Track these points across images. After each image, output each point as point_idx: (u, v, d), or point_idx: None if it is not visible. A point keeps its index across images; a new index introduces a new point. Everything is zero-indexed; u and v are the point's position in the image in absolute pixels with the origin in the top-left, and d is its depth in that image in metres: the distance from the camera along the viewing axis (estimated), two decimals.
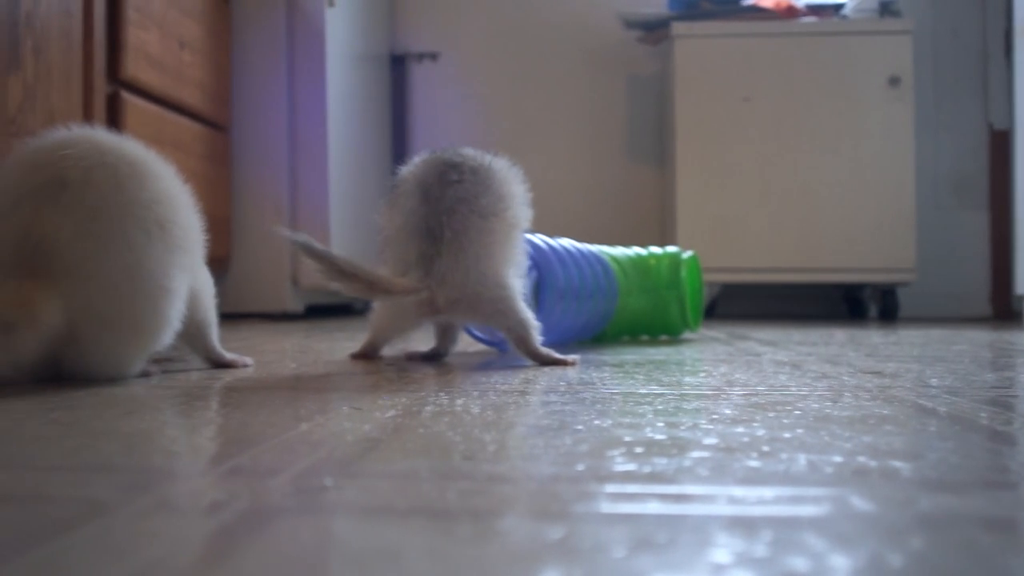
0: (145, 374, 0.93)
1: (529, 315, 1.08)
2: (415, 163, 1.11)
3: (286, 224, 2.39)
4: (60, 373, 0.85)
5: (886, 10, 2.77)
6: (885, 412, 0.70)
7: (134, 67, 1.81)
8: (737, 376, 0.97)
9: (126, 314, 0.85)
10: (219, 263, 2.33)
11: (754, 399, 0.78)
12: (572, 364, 1.08)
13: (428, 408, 0.71)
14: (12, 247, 0.81)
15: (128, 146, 0.90)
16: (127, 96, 1.80)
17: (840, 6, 2.82)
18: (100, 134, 0.90)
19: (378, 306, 1.13)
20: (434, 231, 1.02)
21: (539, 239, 1.28)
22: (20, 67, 1.43)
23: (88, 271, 0.82)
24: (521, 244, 1.11)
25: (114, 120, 1.76)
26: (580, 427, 0.62)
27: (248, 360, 1.06)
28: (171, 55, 1.98)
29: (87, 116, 1.63)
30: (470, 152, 1.09)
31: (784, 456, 0.52)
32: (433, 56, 3.20)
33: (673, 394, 0.82)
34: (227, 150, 2.34)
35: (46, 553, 0.34)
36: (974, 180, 3.04)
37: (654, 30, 2.90)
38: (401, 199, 1.07)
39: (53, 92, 1.52)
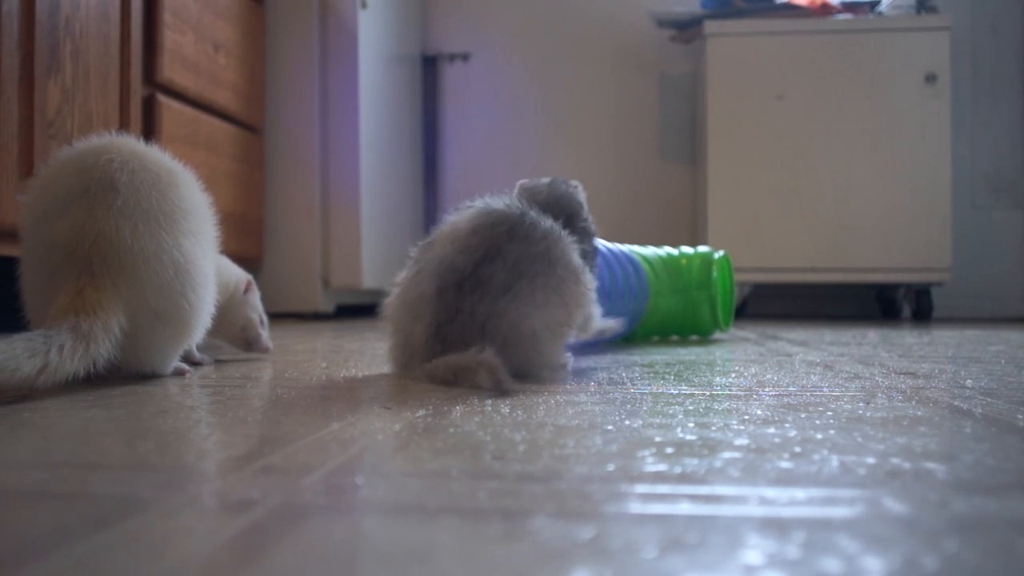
0: (179, 372, 0.95)
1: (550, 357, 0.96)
2: (448, 230, 0.96)
3: (317, 225, 2.41)
4: (101, 369, 0.87)
5: (923, 6, 2.73)
6: (919, 413, 0.69)
7: (170, 70, 1.83)
8: (768, 377, 0.96)
9: (179, 310, 0.88)
10: (252, 263, 2.35)
11: (785, 400, 0.77)
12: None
13: (458, 408, 0.71)
14: (68, 247, 0.84)
15: (160, 154, 0.94)
16: (163, 99, 1.82)
17: (876, 3, 2.79)
18: (134, 142, 0.93)
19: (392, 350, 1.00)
20: (443, 331, 0.92)
21: None
22: (59, 70, 1.45)
23: (147, 270, 0.85)
24: (562, 297, 0.94)
25: (150, 122, 1.79)
26: (610, 427, 0.62)
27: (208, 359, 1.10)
28: (206, 58, 2.01)
29: (124, 118, 1.66)
30: (506, 238, 0.92)
31: (816, 457, 0.52)
32: (464, 56, 3.21)
33: (703, 395, 0.81)
34: (260, 151, 2.37)
35: (83, 549, 0.34)
36: (1011, 179, 3.00)
37: (686, 28, 2.89)
38: (424, 272, 0.94)
39: (91, 95, 1.55)
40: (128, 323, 0.84)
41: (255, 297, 1.18)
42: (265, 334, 1.18)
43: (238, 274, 1.16)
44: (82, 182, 0.86)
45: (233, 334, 1.16)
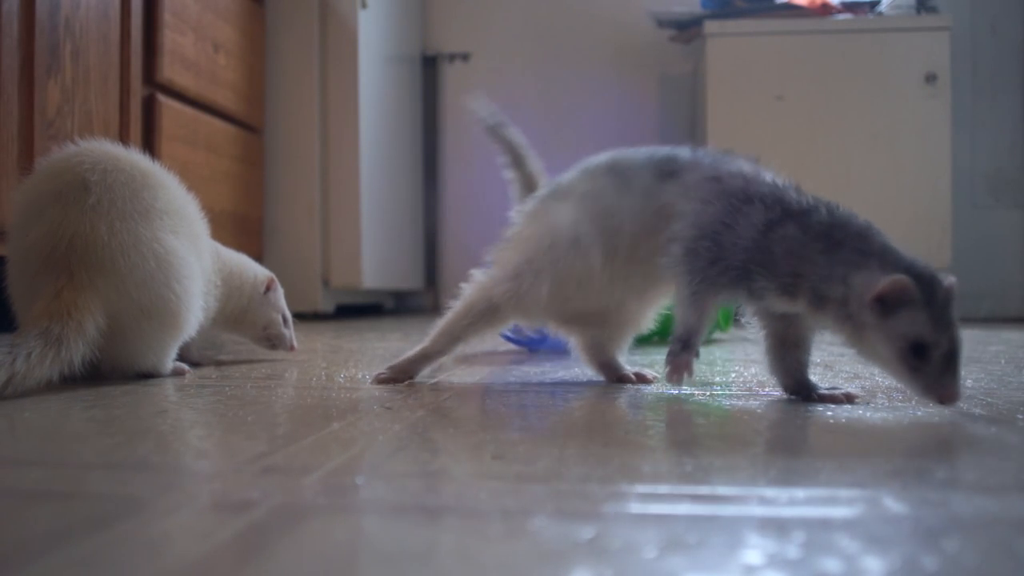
0: (178, 372, 0.95)
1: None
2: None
3: (317, 225, 2.41)
4: (98, 369, 0.87)
5: (923, 6, 2.73)
6: (919, 413, 0.69)
7: (170, 70, 1.83)
8: (768, 377, 0.96)
9: (165, 302, 0.88)
10: None
11: (785, 399, 0.77)
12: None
13: (458, 408, 0.71)
14: (45, 250, 0.84)
15: (136, 155, 0.93)
16: (163, 98, 1.82)
17: (876, 3, 2.79)
18: (109, 145, 0.93)
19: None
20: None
21: None
22: (59, 70, 1.45)
23: (127, 264, 0.85)
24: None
25: (150, 122, 1.78)
26: (610, 426, 0.62)
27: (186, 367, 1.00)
28: (205, 58, 2.01)
29: (124, 118, 1.66)
30: None
31: (816, 456, 0.52)
32: (465, 56, 3.21)
33: (703, 394, 0.81)
34: (260, 151, 2.36)
35: (83, 549, 0.34)
36: (1011, 179, 3.00)
37: (686, 28, 2.89)
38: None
39: (91, 95, 1.55)
40: (111, 321, 0.84)
41: (277, 296, 1.16)
42: (289, 333, 1.16)
43: (257, 273, 1.14)
44: (54, 186, 0.86)
45: (256, 334, 1.15)
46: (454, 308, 0.90)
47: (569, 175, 0.90)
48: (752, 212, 0.76)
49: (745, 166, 0.83)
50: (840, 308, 0.71)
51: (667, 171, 0.83)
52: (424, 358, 0.90)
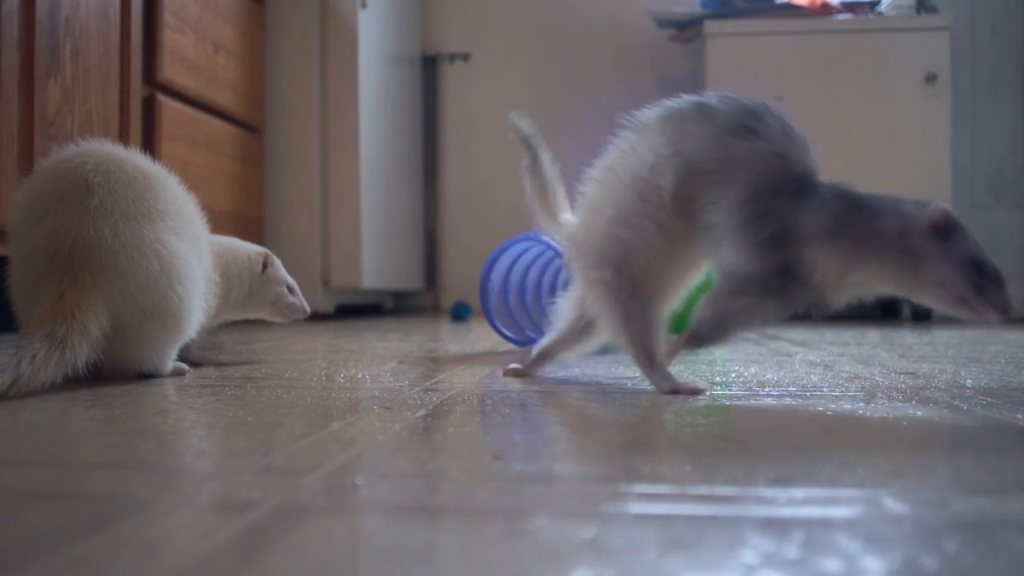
0: (179, 372, 0.95)
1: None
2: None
3: (317, 225, 2.41)
4: (99, 369, 0.87)
5: (923, 6, 2.73)
6: (919, 413, 0.69)
7: (170, 70, 1.83)
8: (768, 376, 0.96)
9: (168, 304, 0.88)
10: None
11: (785, 400, 0.77)
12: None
13: (458, 408, 0.71)
14: (48, 251, 0.84)
15: (138, 157, 0.93)
16: (163, 99, 1.82)
17: (876, 3, 2.79)
18: (110, 146, 0.93)
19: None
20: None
21: None
22: (59, 70, 1.45)
23: (130, 265, 0.85)
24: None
25: (150, 122, 1.78)
26: (610, 427, 0.62)
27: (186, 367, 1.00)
28: (206, 58, 2.01)
29: (124, 118, 1.66)
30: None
31: (816, 456, 0.52)
32: (465, 56, 3.21)
33: (703, 394, 0.81)
34: (260, 151, 2.36)
35: (83, 549, 0.34)
36: (1012, 179, 3.00)
37: (686, 28, 2.89)
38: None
39: (91, 95, 1.55)
40: (114, 323, 0.84)
41: (276, 269, 1.17)
42: (298, 300, 1.18)
43: (251, 254, 1.14)
44: (57, 187, 0.86)
45: (267, 311, 1.17)
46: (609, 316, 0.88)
47: (646, 114, 0.89)
48: (810, 196, 0.79)
49: (811, 162, 0.86)
50: (897, 242, 0.73)
51: (745, 126, 0.84)
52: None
